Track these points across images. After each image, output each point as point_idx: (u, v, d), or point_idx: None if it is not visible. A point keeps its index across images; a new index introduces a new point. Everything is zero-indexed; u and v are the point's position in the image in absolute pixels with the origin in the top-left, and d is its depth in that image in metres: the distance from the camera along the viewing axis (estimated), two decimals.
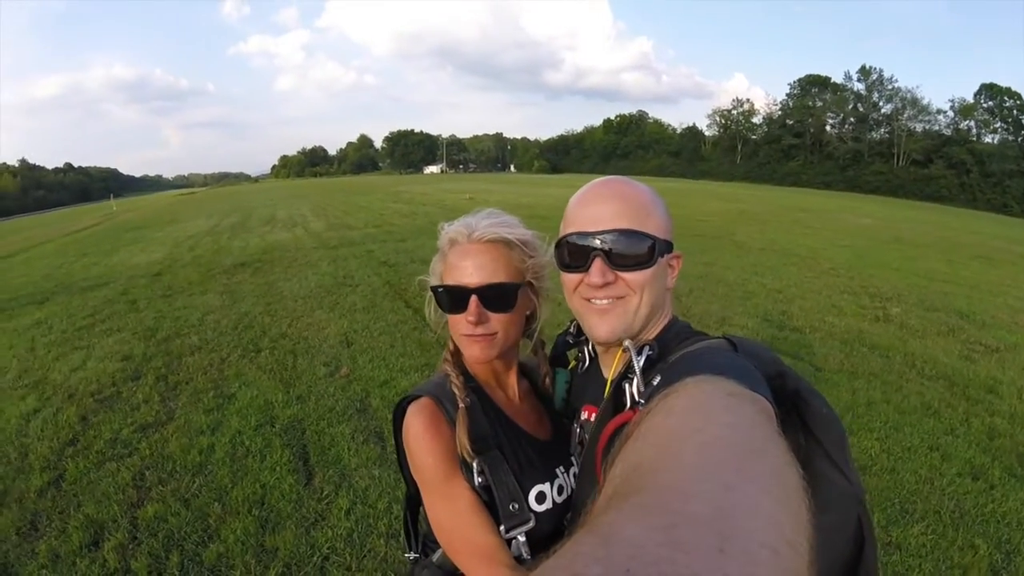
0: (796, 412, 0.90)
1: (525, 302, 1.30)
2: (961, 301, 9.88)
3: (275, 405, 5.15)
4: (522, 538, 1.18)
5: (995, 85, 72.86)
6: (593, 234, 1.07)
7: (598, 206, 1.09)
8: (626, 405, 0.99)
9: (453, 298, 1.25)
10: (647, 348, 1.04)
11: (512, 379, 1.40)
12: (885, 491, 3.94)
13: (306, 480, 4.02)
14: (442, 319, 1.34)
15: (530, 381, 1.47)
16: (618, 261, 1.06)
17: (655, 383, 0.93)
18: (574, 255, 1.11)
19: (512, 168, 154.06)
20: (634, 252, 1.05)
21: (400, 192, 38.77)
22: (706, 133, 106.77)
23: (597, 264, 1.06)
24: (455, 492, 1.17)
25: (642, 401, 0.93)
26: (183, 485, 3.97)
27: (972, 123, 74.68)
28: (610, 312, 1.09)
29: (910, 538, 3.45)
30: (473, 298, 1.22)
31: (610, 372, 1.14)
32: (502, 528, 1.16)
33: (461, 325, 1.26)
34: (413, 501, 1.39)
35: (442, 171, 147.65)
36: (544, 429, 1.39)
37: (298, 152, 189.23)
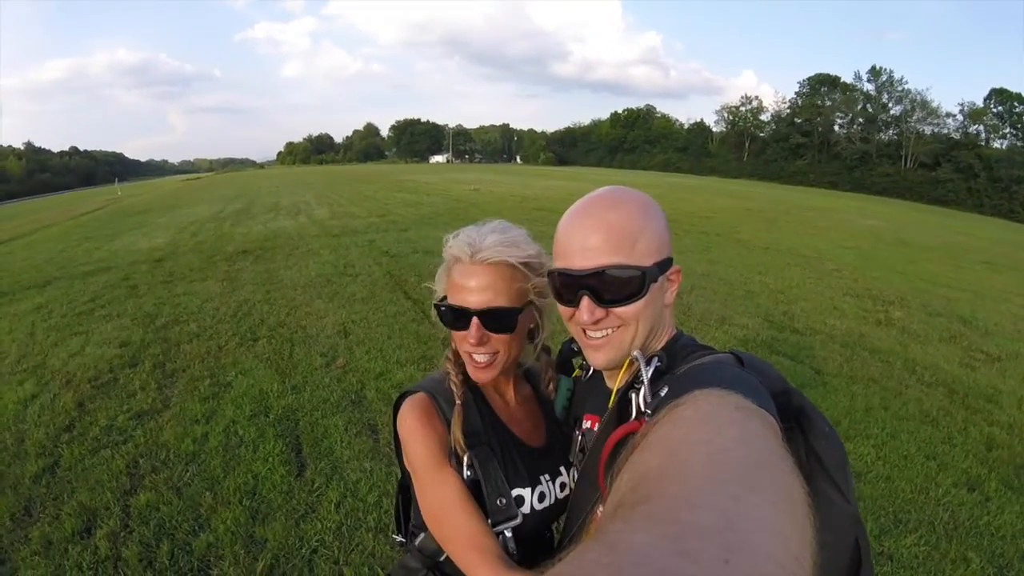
0: (799, 429, 0.90)
1: (527, 320, 1.31)
2: (964, 307, 9.86)
3: (270, 395, 5.15)
4: (509, 533, 1.22)
5: (1005, 90, 72.15)
6: (579, 274, 1.04)
7: (582, 237, 1.04)
8: (631, 415, 0.99)
9: (455, 317, 1.27)
10: (655, 359, 1.02)
11: (510, 386, 1.43)
12: (879, 499, 3.92)
13: (298, 471, 4.02)
14: None
15: (532, 386, 1.49)
16: (606, 297, 1.03)
17: (662, 394, 0.92)
18: (562, 290, 1.09)
19: (518, 159, 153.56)
20: (622, 288, 1.02)
21: (405, 181, 38.80)
22: (714, 129, 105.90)
23: (585, 303, 1.04)
24: (445, 480, 1.21)
25: (648, 411, 0.93)
26: (176, 474, 3.97)
27: (981, 127, 73.89)
28: (604, 347, 1.09)
29: (903, 548, 3.44)
30: (475, 320, 1.23)
31: (615, 382, 1.13)
32: (489, 522, 1.19)
33: (464, 343, 1.28)
34: (405, 488, 1.43)
35: (448, 161, 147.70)
36: (537, 436, 1.41)
37: (304, 139, 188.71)
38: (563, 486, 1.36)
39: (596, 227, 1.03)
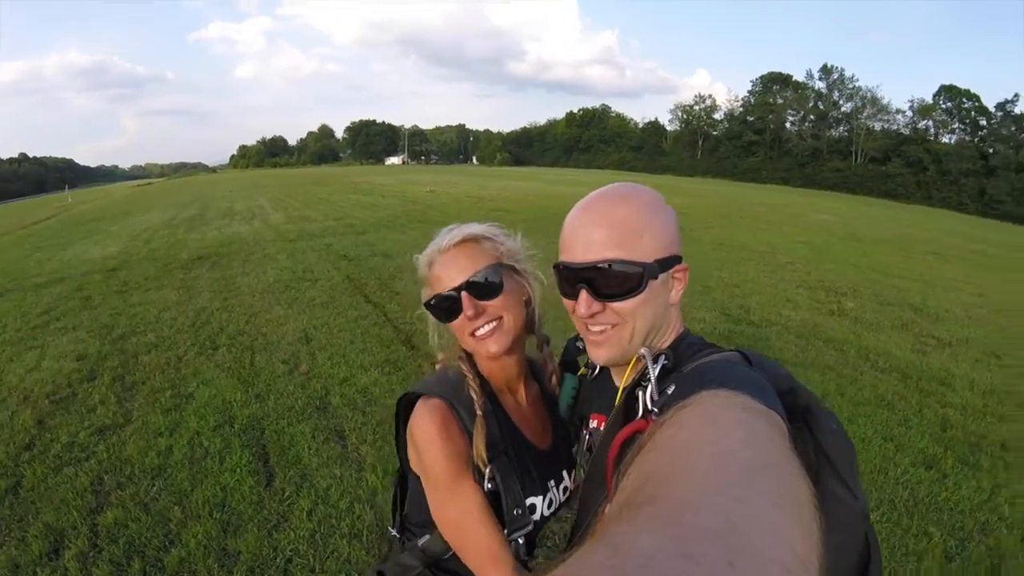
0: (807, 428, 0.90)
1: (515, 287, 1.33)
2: (915, 296, 10.15)
3: (234, 404, 5.07)
4: (521, 540, 1.24)
5: (954, 87, 73.72)
6: (578, 267, 1.05)
7: (585, 231, 1.05)
8: (638, 413, 0.99)
9: (446, 305, 1.29)
10: (663, 357, 1.02)
11: (522, 384, 1.43)
12: None
13: (267, 481, 3.97)
14: (447, 342, 1.40)
15: (538, 382, 1.50)
16: (604, 292, 1.04)
17: (669, 392, 0.92)
18: (564, 283, 1.10)
19: (474, 160, 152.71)
20: (620, 282, 1.02)
21: (360, 183, 38.46)
22: (668, 128, 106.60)
23: (583, 296, 1.05)
24: (465, 493, 1.21)
25: (655, 410, 0.93)
26: (142, 489, 3.89)
27: (930, 123, 75.63)
28: (604, 342, 1.09)
29: None
30: (463, 295, 1.26)
31: (622, 380, 1.13)
32: (504, 531, 1.21)
33: (465, 327, 1.29)
34: (403, 480, 1.43)
35: (404, 162, 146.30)
36: (545, 438, 1.42)
37: (257, 142, 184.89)
38: (565, 490, 1.38)
39: (600, 222, 1.04)
